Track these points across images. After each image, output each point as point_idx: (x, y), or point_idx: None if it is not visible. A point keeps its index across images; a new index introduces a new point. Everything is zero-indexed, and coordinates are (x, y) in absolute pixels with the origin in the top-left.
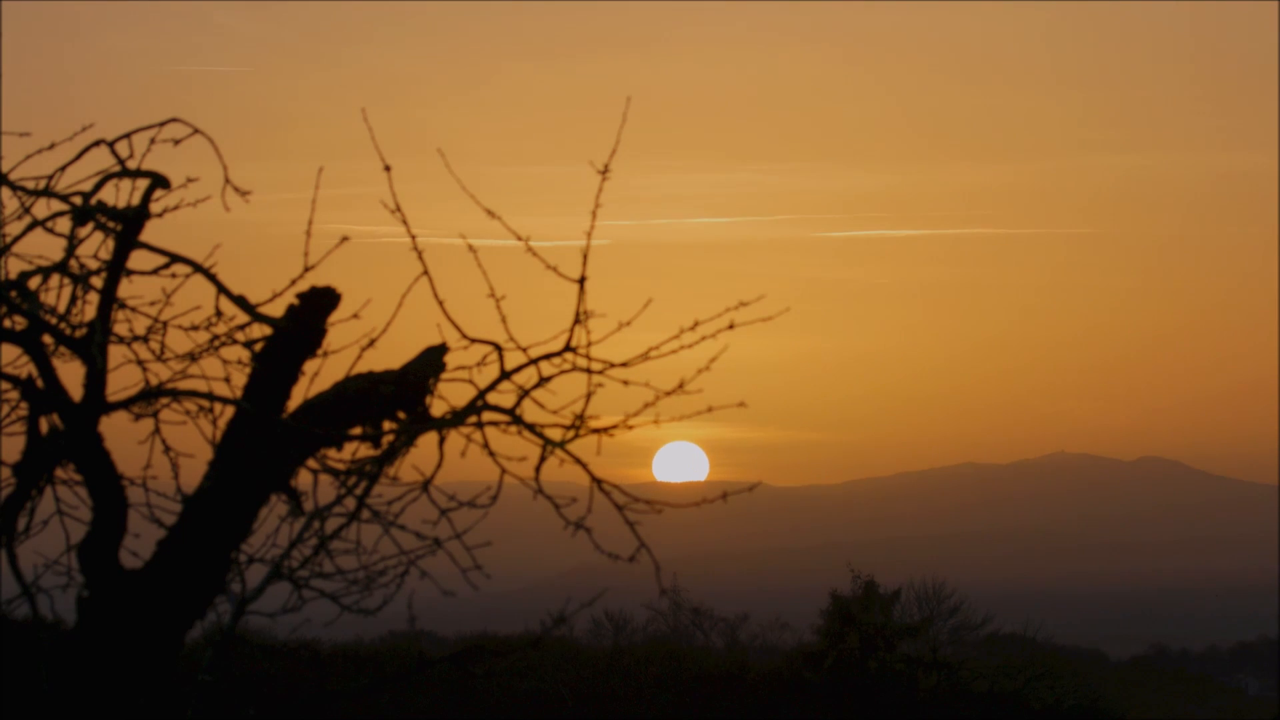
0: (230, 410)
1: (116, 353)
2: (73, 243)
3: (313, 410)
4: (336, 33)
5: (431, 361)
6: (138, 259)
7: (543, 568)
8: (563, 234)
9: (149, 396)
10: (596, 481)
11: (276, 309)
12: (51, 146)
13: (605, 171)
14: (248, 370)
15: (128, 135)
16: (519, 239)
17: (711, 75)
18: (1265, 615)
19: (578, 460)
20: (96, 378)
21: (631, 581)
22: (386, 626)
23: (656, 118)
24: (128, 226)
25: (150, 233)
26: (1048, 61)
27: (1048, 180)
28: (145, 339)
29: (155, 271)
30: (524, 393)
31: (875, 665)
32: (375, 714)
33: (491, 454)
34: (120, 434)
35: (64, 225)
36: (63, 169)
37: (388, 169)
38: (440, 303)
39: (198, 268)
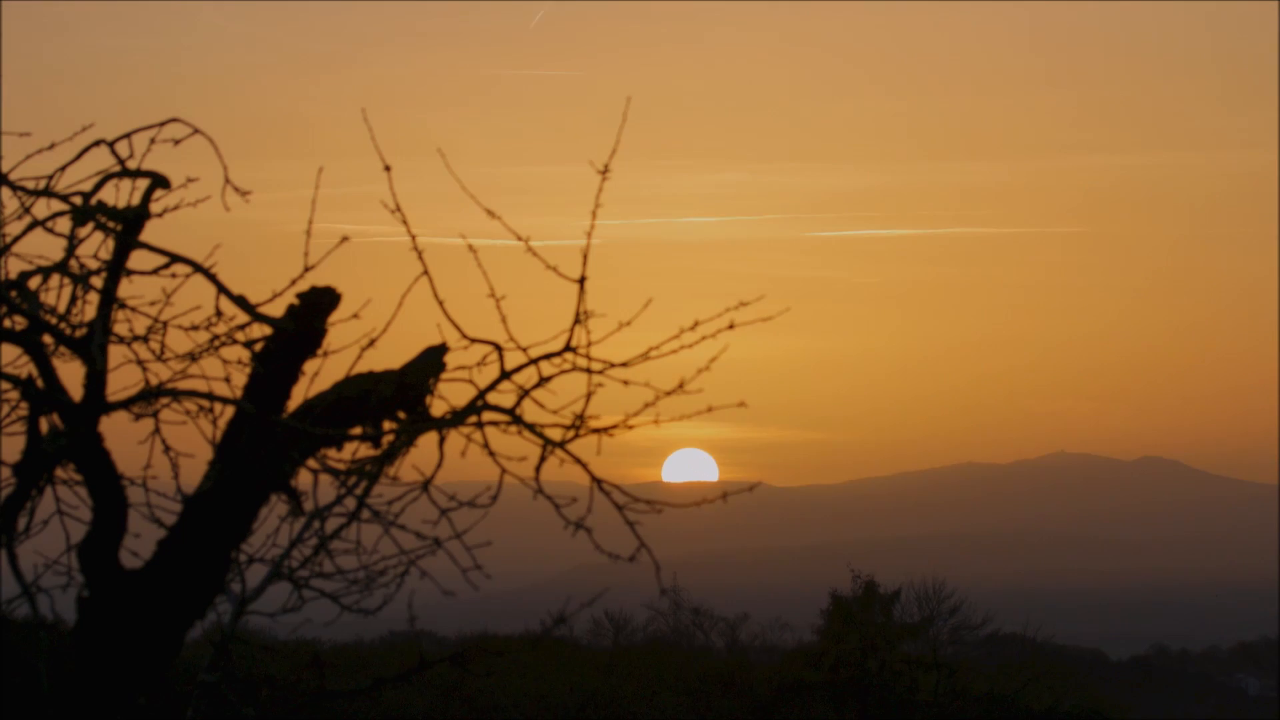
0: (230, 410)
1: (116, 353)
2: (73, 243)
3: (313, 410)
4: (337, 33)
5: (431, 361)
6: (138, 259)
7: (543, 568)
8: (563, 234)
9: (149, 396)
10: (596, 481)
11: (276, 309)
12: (51, 146)
13: (605, 171)
14: (248, 370)
15: (128, 135)
16: (519, 239)
17: (712, 75)
18: (1265, 615)
19: (578, 460)
20: (96, 378)
21: (631, 581)
22: (386, 626)
23: (657, 118)
24: (128, 226)
25: (150, 233)
26: (1039, 61)
27: (1048, 180)
28: (145, 339)
29: (155, 271)
30: (524, 393)
31: (875, 665)
32: (375, 714)
33: (491, 454)
34: (120, 434)
35: (64, 225)
36: (63, 169)
37: (388, 169)
38: (440, 303)
39: (198, 268)
